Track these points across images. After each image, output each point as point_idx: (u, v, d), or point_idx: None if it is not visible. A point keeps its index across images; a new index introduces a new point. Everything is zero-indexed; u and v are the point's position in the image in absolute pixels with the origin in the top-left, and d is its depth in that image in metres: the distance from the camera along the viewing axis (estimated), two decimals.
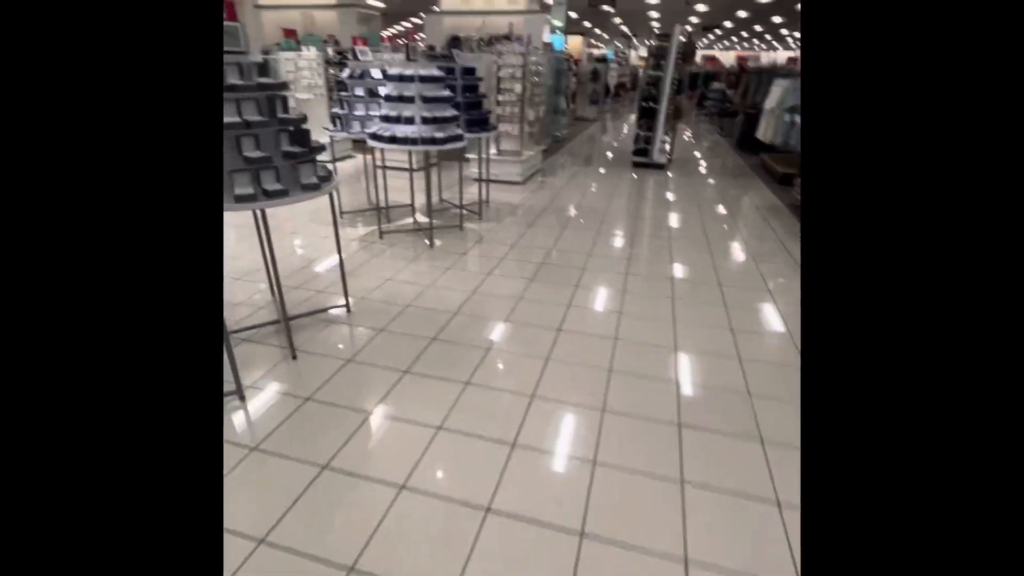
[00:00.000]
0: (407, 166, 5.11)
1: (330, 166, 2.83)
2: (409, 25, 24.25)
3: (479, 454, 2.09)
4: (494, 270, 3.96)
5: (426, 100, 4.10)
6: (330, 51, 8.04)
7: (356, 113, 4.66)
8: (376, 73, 4.67)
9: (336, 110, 4.75)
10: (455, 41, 12.87)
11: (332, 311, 3.25)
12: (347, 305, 3.27)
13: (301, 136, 2.54)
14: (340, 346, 2.87)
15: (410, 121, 4.06)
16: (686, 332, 3.10)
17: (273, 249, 2.73)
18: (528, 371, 2.67)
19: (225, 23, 2.29)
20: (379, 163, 4.80)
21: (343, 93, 4.80)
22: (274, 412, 2.32)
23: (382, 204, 5.08)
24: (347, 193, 6.15)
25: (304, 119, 2.54)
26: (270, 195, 2.38)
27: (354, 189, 6.33)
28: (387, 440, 2.17)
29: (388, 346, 2.88)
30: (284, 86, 2.49)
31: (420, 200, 5.73)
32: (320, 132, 4.72)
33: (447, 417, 2.30)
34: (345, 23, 13.37)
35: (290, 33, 9.83)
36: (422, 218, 5.24)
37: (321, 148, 2.66)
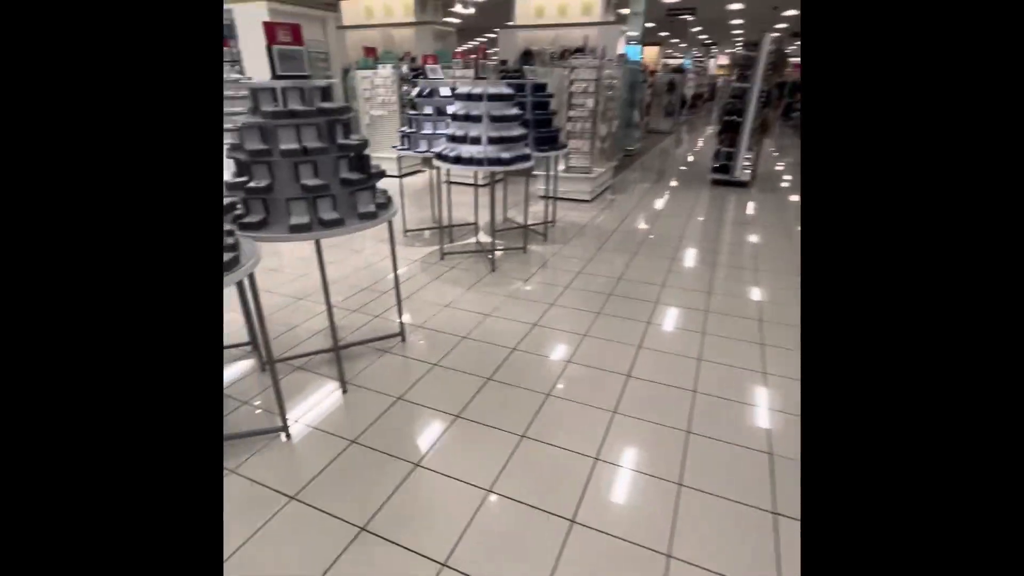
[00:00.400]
0: (473, 181, 5.00)
1: (395, 183, 2.71)
2: (483, 40, 24.72)
3: (532, 529, 1.83)
4: (558, 300, 3.69)
5: (494, 119, 3.93)
6: (404, 68, 8.18)
7: (424, 132, 4.59)
8: (444, 91, 4.59)
9: (404, 128, 4.71)
10: (527, 55, 12.82)
11: (386, 340, 3.12)
12: (402, 334, 3.14)
13: (361, 162, 2.43)
14: (391, 381, 2.72)
15: (476, 141, 3.91)
16: (779, 385, 2.67)
17: (326, 276, 2.64)
18: (592, 425, 2.38)
19: (288, 48, 2.22)
20: (445, 178, 4.71)
21: (412, 111, 4.76)
22: (318, 455, 2.18)
23: (446, 222, 4.98)
24: (412, 209, 6.14)
25: (365, 144, 2.42)
26: (326, 224, 2.27)
27: (420, 205, 6.32)
28: (432, 500, 1.95)
29: (441, 384, 2.69)
30: (345, 110, 2.39)
31: (484, 218, 5.59)
32: (388, 149, 4.68)
33: (498, 478, 2.06)
34: (422, 40, 13.72)
35: (370, 51, 10.17)
36: (485, 238, 5.08)
37: (381, 174, 2.54)
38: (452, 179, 4.77)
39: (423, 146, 4.63)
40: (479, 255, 4.62)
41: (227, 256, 1.79)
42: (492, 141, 3.91)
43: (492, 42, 23.76)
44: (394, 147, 4.97)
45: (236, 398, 2.57)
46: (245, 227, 2.24)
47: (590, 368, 2.83)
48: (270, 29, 2.18)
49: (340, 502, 1.94)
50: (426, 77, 4.67)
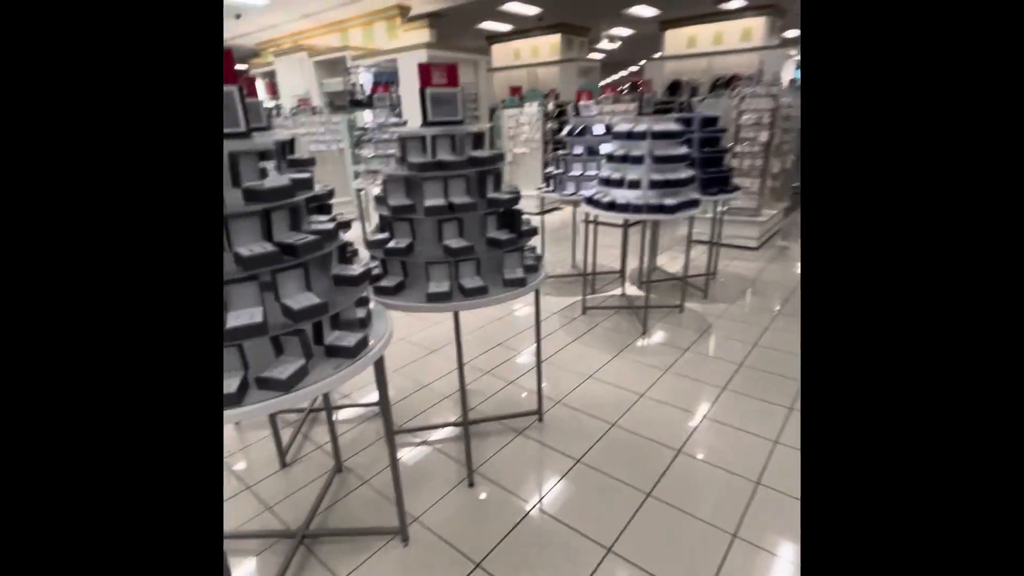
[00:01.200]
0: (619, 222, 4.45)
1: (535, 220, 2.29)
2: (624, 73, 24.37)
3: None
4: (729, 384, 2.95)
5: (657, 160, 3.38)
6: (550, 106, 8.04)
7: (572, 173, 4.20)
8: (599, 129, 4.17)
9: (551, 169, 4.37)
10: (675, 87, 12.08)
11: (522, 418, 2.67)
12: (539, 412, 2.67)
13: (511, 219, 2.05)
14: (526, 477, 2.24)
15: (635, 185, 3.38)
16: None
17: (460, 332, 2.28)
18: None
19: (442, 90, 1.94)
20: (589, 218, 4.22)
21: (560, 151, 4.41)
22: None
23: (589, 268, 4.48)
24: (551, 251, 5.78)
25: (516, 198, 2.04)
26: (467, 293, 1.91)
27: (559, 247, 5.93)
28: None
29: (586, 491, 2.14)
30: (497, 159, 2.04)
31: (632, 264, 4.99)
32: (529, 186, 4.36)
33: None
34: (566, 76, 13.78)
35: (515, 91, 10.37)
36: (633, 290, 4.48)
37: (532, 233, 2.14)
38: (597, 218, 4.26)
39: (570, 188, 4.24)
40: (627, 312, 4.03)
41: (354, 338, 1.49)
42: (654, 185, 3.35)
43: (635, 75, 23.33)
44: (538, 188, 4.66)
45: (357, 473, 2.31)
46: (380, 291, 1.97)
47: (785, 496, 2.07)
48: (425, 71, 1.92)
49: None
50: (577, 114, 4.30)
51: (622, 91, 10.86)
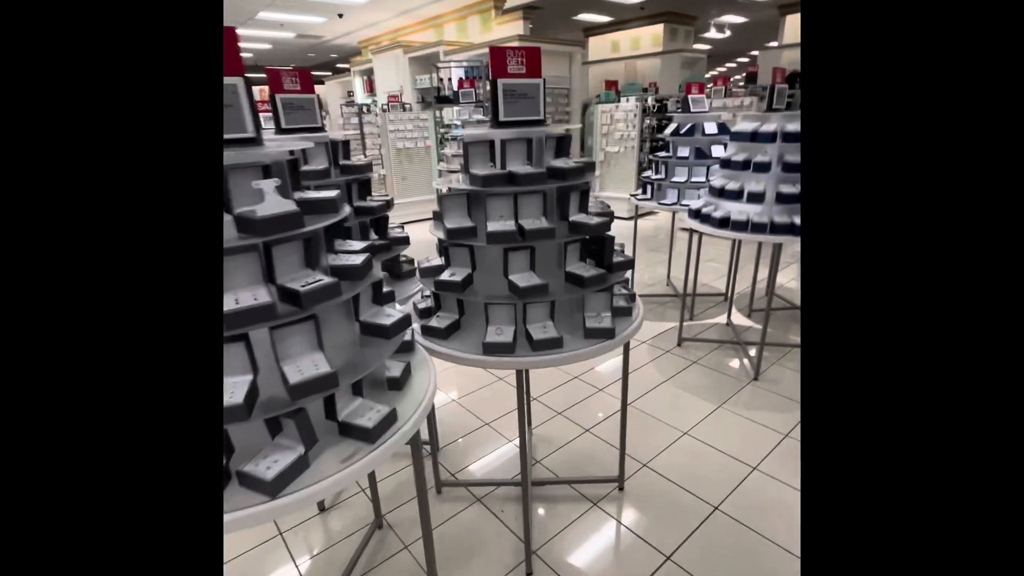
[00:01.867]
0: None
1: (624, 228, 1.78)
2: (732, 65, 22.48)
3: None
4: None
5: (788, 167, 2.71)
6: (649, 100, 7.33)
7: (675, 179, 3.59)
8: (711, 127, 3.52)
9: (648, 173, 3.78)
10: (793, 78, 10.70)
11: (598, 484, 2.19)
12: (621, 480, 2.17)
13: (600, 249, 1.57)
14: (600, 574, 1.77)
15: (757, 198, 2.74)
16: None
17: (530, 411, 1.85)
18: None
19: (518, 81, 1.51)
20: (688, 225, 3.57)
21: (661, 154, 3.81)
22: None
23: (688, 289, 3.84)
24: (641, 263, 5.16)
25: (608, 220, 1.56)
26: (537, 346, 1.47)
27: (651, 258, 5.30)
28: None
29: None
30: (586, 170, 1.57)
31: (742, 286, 4.27)
32: (620, 188, 3.81)
33: None
34: (668, 69, 12.82)
35: (611, 84, 9.70)
36: (741, 319, 3.78)
37: (627, 264, 1.64)
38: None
39: (671, 197, 3.63)
40: (733, 348, 3.37)
41: (377, 413, 1.11)
42: (782, 198, 2.69)
43: (742, 67, 21.47)
44: (632, 195, 4.09)
45: (399, 532, 1.97)
46: (429, 331, 1.59)
47: None
48: (498, 57, 1.50)
49: None
50: (686, 109, 3.68)
51: (735, 82, 9.64)
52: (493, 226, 1.47)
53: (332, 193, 1.14)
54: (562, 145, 1.59)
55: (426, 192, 7.72)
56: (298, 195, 1.12)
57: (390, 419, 1.12)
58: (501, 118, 1.52)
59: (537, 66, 1.55)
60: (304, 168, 1.72)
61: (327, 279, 1.05)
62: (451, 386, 2.96)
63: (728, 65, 22.86)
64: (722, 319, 3.82)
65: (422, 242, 2.76)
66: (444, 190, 1.66)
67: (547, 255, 1.56)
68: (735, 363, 3.16)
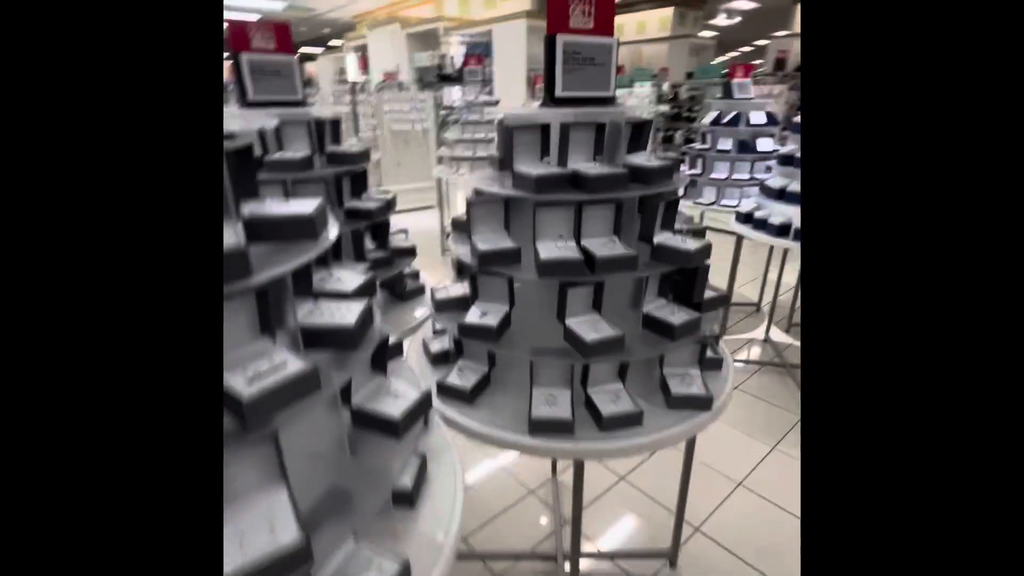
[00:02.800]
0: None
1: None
2: (735, 53, 21.94)
3: None
4: None
5: None
6: (665, 86, 6.84)
7: (715, 176, 3.14)
8: (758, 117, 3.06)
9: (685, 169, 3.33)
10: None
11: (648, 559, 1.77)
12: (673, 555, 1.75)
13: (690, 283, 1.12)
14: None
15: None
16: None
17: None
18: None
19: (584, 40, 1.05)
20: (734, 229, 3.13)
21: (695, 146, 3.35)
22: None
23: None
24: None
25: (708, 245, 1.10)
26: (607, 424, 1.02)
27: None
28: None
29: None
30: (675, 170, 1.11)
31: (779, 295, 3.84)
32: None
33: None
34: (675, 55, 12.35)
35: (618, 70, 9.21)
36: (780, 335, 3.37)
37: (721, 302, 1.20)
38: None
39: (708, 195, 3.19)
40: (777, 371, 2.96)
41: (389, 567, 0.66)
42: None
43: (748, 56, 20.98)
44: None
45: None
46: (447, 392, 1.14)
47: None
48: (557, 3, 1.03)
49: None
50: (728, 96, 3.21)
51: (758, 69, 8.90)
52: (547, 250, 1.01)
53: (308, 208, 0.67)
54: (639, 135, 1.13)
55: (423, 179, 7.20)
56: (249, 208, 0.66)
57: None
58: (558, 92, 1.06)
59: (610, 19, 1.08)
60: (276, 157, 1.25)
61: (294, 363, 0.59)
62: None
63: (731, 54, 22.32)
64: (757, 334, 3.40)
65: (418, 233, 2.24)
66: (449, 180, 1.20)
67: (615, 289, 1.11)
68: (782, 390, 2.75)
